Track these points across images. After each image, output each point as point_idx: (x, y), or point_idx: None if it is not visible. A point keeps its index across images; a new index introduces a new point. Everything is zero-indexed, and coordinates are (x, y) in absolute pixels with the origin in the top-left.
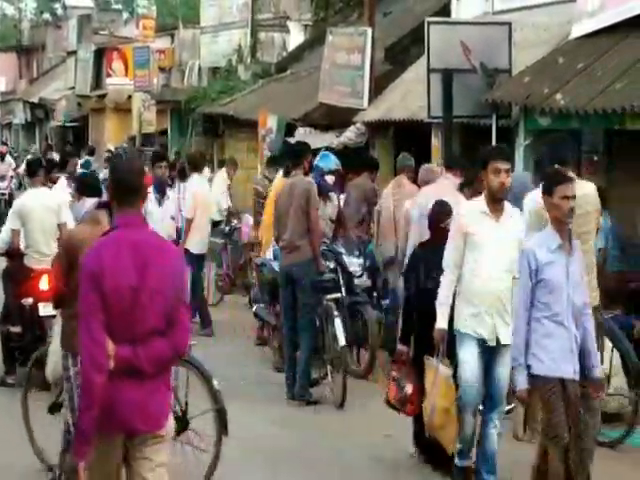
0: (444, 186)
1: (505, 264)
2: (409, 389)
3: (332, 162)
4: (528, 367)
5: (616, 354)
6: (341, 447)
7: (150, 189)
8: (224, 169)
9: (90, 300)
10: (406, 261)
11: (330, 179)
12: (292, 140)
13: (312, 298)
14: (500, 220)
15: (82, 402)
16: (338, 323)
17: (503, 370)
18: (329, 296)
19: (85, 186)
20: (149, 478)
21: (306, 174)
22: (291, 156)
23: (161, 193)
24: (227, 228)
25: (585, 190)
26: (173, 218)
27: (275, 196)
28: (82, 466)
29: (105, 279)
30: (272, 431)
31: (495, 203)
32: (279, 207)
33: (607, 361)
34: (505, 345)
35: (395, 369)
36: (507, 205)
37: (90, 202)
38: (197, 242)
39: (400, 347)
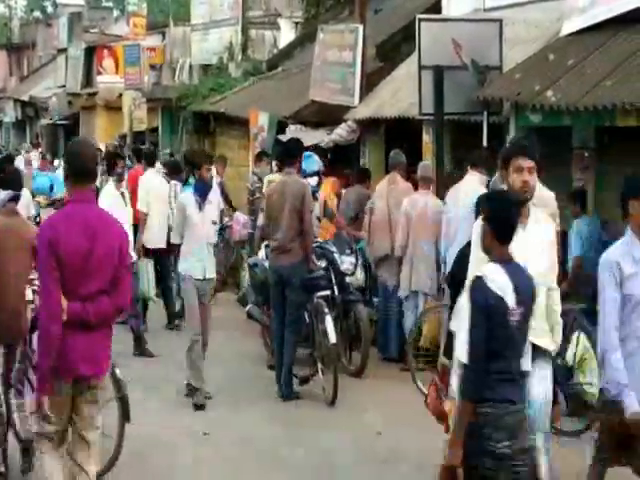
0: (471, 183)
1: (538, 276)
2: (447, 406)
3: (315, 163)
4: (602, 391)
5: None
6: (333, 445)
7: (190, 191)
8: (212, 166)
9: (47, 263)
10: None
11: (312, 180)
12: (283, 138)
13: (301, 297)
14: (527, 227)
15: (41, 348)
16: (329, 320)
17: (540, 388)
18: (319, 293)
19: None
20: (88, 437)
21: (298, 172)
22: (284, 154)
23: (203, 197)
24: (218, 226)
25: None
26: (215, 222)
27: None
28: (45, 400)
29: (60, 245)
30: (263, 429)
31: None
32: (271, 207)
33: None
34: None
35: (438, 378)
36: (533, 208)
37: (3, 194)
38: (152, 237)
39: (442, 359)
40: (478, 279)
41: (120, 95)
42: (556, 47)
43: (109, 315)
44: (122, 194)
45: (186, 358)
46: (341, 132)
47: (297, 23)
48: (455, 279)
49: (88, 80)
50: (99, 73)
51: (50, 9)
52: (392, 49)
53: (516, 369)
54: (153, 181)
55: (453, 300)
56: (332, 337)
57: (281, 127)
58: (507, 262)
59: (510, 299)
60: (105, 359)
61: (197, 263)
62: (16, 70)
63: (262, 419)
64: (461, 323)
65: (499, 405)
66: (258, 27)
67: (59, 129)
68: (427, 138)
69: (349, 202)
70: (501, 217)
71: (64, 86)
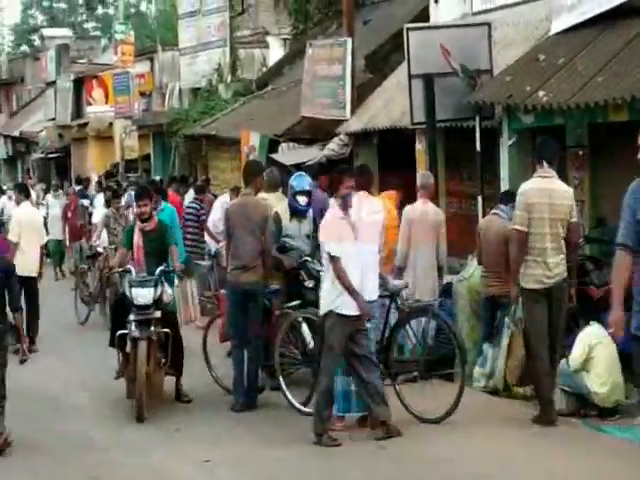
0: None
1: None
2: None
3: (305, 182)
4: None
5: None
6: (337, 461)
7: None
8: (227, 194)
9: None
10: None
11: (302, 200)
12: (276, 156)
13: (261, 314)
14: None
15: None
16: (304, 328)
17: None
18: (289, 304)
19: None
20: None
21: (257, 192)
22: (243, 175)
23: None
24: (214, 249)
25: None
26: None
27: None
28: None
29: None
30: (261, 450)
31: None
32: (233, 227)
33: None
34: None
35: None
36: None
37: None
38: (21, 264)
39: None
40: None
41: (111, 124)
42: (546, 47)
43: None
44: None
45: None
46: (333, 147)
47: (286, 40)
48: None
49: (78, 111)
50: (89, 104)
51: (37, 42)
52: (381, 60)
53: None
54: (25, 214)
55: None
56: (309, 341)
57: (274, 146)
58: None
59: None
60: None
61: None
62: (5, 106)
63: (258, 441)
64: None
65: None
66: (246, 46)
67: (51, 163)
68: (420, 147)
69: None
70: None
71: (54, 119)
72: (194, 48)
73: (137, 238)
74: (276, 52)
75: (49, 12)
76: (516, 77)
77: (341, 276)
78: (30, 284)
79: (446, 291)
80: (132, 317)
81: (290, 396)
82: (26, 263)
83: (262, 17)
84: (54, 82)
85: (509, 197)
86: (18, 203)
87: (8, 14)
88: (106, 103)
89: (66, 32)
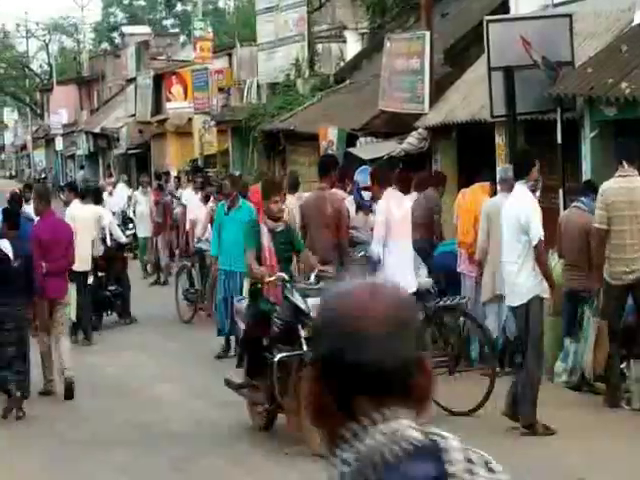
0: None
1: None
2: None
3: (368, 177)
4: None
5: None
6: None
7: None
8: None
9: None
10: None
11: (367, 194)
12: (354, 151)
13: None
14: None
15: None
16: None
17: None
18: None
19: None
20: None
21: (332, 187)
22: (319, 169)
23: None
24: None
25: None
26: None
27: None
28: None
29: (40, 237)
30: None
31: None
32: (308, 220)
33: None
34: None
35: None
36: None
37: None
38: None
39: None
40: None
41: (190, 120)
42: (628, 37)
43: (65, 268)
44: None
45: None
46: (412, 140)
47: (363, 34)
48: None
49: (158, 107)
50: (168, 100)
51: (118, 40)
52: (460, 53)
53: None
54: (78, 210)
55: None
56: None
57: (352, 140)
58: (12, 239)
59: (10, 255)
60: (64, 289)
61: None
62: (86, 103)
63: None
64: None
65: None
66: (324, 41)
67: (131, 158)
68: (500, 140)
69: (418, 209)
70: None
71: (134, 115)
72: (272, 43)
73: (267, 241)
74: (353, 46)
75: (129, 10)
76: (598, 69)
77: (544, 260)
78: (85, 278)
79: None
80: (305, 334)
81: None
82: (79, 259)
83: (339, 12)
84: (134, 79)
85: (589, 188)
86: (66, 204)
87: (90, 13)
88: (185, 99)
89: (145, 29)
